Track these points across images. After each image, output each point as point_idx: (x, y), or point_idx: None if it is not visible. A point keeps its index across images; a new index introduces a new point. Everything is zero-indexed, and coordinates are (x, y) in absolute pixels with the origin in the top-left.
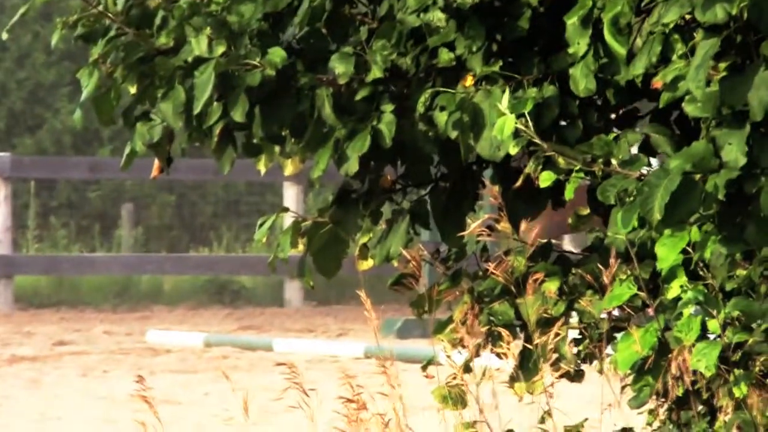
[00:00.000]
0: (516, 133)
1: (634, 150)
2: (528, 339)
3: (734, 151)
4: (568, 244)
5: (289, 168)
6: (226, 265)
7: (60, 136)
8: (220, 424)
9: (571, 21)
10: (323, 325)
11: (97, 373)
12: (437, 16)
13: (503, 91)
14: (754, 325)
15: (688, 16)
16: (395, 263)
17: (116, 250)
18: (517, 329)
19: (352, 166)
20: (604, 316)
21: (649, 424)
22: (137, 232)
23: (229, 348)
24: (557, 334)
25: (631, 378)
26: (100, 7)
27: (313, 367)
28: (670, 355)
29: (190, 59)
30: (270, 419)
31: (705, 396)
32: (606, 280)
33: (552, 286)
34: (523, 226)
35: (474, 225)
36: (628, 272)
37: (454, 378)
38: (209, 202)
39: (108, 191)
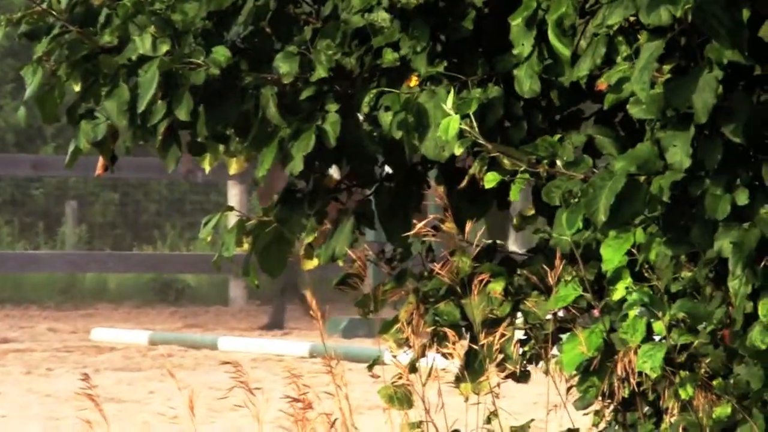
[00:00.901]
0: (461, 134)
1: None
2: (474, 339)
3: (679, 153)
4: (513, 244)
5: (234, 167)
6: (170, 264)
7: (3, 133)
8: (165, 423)
9: (516, 22)
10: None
11: (41, 370)
12: (381, 16)
13: (448, 92)
14: (699, 327)
15: (632, 18)
16: (340, 263)
17: (60, 247)
18: (463, 329)
19: (297, 165)
20: (549, 317)
21: (595, 425)
22: (81, 230)
23: (174, 346)
24: (503, 335)
25: (576, 379)
26: (44, 5)
27: (259, 366)
28: (615, 357)
29: (134, 57)
30: (215, 418)
31: (651, 397)
32: (551, 281)
33: (497, 287)
34: (468, 226)
35: (419, 225)
36: (574, 273)
37: (400, 378)
38: (153, 201)
39: (52, 189)
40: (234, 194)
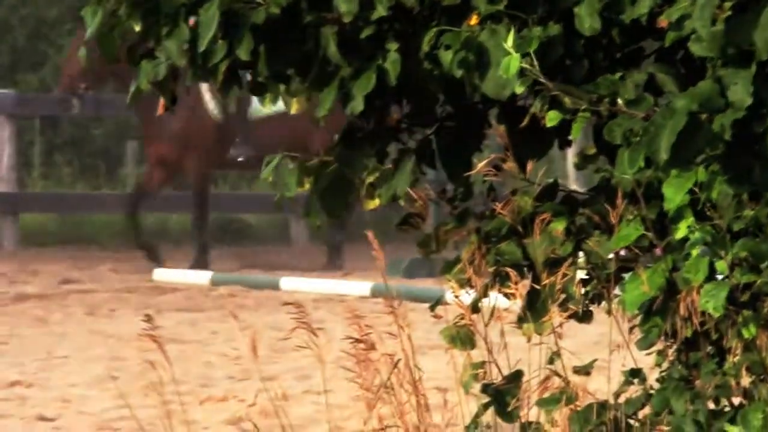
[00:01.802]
0: (521, 73)
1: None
2: (536, 279)
3: (740, 91)
4: (573, 183)
5: (295, 107)
6: (232, 203)
7: None
8: (228, 363)
9: None
10: (331, 263)
11: (104, 311)
12: None
13: (508, 30)
14: (762, 266)
15: None
16: (402, 203)
17: (121, 188)
18: (525, 269)
19: (358, 105)
20: (611, 256)
21: (658, 365)
22: (142, 170)
23: (235, 287)
24: (565, 275)
25: (639, 319)
26: None
27: (320, 306)
28: (678, 296)
29: None
30: (277, 358)
31: (714, 337)
32: (613, 220)
33: (559, 226)
34: (529, 165)
35: (480, 164)
36: (635, 212)
37: (462, 318)
38: None
39: (112, 129)
40: None
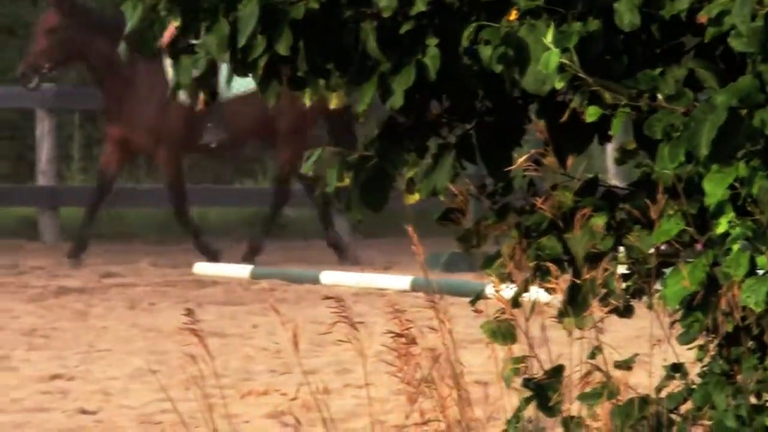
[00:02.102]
0: (561, 68)
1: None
2: (576, 274)
3: None
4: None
5: (334, 101)
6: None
7: None
8: (268, 357)
9: None
10: (369, 258)
11: (144, 305)
12: None
13: (548, 26)
14: None
15: None
16: (441, 198)
17: (161, 182)
18: (566, 264)
19: (397, 100)
20: (652, 251)
21: (699, 359)
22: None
23: (276, 280)
24: (606, 270)
25: (680, 314)
26: None
27: (360, 300)
28: (719, 291)
29: None
30: (318, 352)
31: (755, 332)
32: (653, 215)
33: (599, 221)
34: (569, 160)
35: (520, 159)
36: (676, 207)
37: (503, 312)
38: None
39: None
40: None
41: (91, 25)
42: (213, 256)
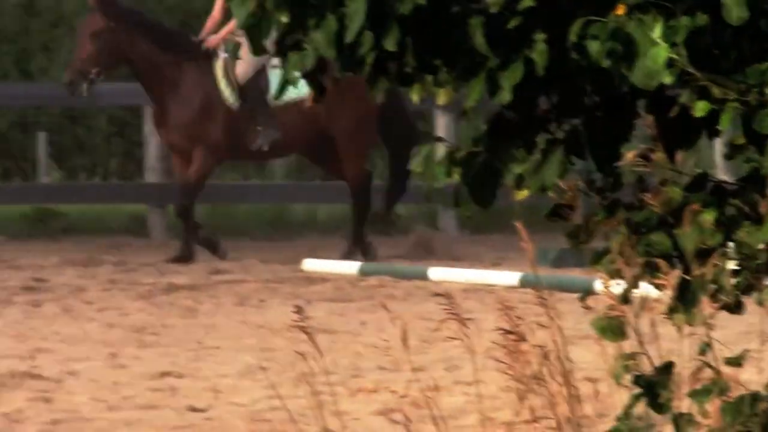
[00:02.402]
0: (669, 63)
1: None
2: (686, 270)
3: None
4: (722, 173)
5: (442, 97)
6: (379, 194)
7: None
8: (378, 354)
9: None
10: (478, 254)
11: (254, 301)
12: None
13: (656, 20)
14: None
15: None
16: (550, 193)
17: (269, 178)
18: (675, 260)
19: (506, 95)
20: (761, 246)
21: None
22: (290, 161)
23: (384, 277)
24: (715, 265)
25: None
26: None
27: (469, 296)
28: None
29: None
30: (427, 349)
31: None
32: (763, 210)
33: (709, 217)
34: (678, 156)
35: (629, 155)
36: None
37: (612, 309)
38: None
39: None
40: (442, 124)
41: (135, 28)
42: (214, 248)
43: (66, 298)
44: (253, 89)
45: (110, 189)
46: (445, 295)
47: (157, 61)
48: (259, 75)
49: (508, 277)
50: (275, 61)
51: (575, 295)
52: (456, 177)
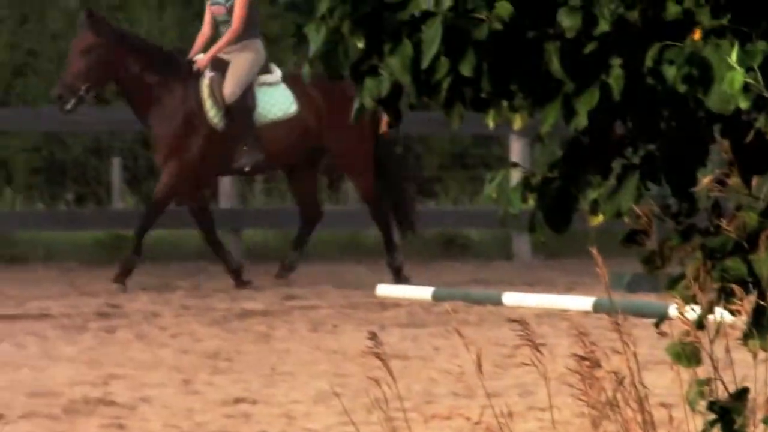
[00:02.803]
0: (745, 87)
1: None
2: (762, 295)
3: None
4: None
5: (518, 122)
6: (453, 218)
7: None
8: (452, 380)
9: None
10: (552, 279)
11: (327, 327)
12: None
13: (732, 45)
14: None
15: None
16: (625, 218)
17: (343, 203)
18: (750, 285)
19: (581, 120)
20: None
21: None
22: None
23: (458, 302)
24: None
25: None
26: None
27: (543, 322)
28: None
29: (417, 13)
30: (501, 374)
31: None
32: None
33: None
34: (754, 181)
35: (705, 180)
36: None
37: (687, 334)
38: (435, 154)
39: None
40: (516, 149)
41: (125, 46)
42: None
43: (140, 324)
44: (239, 109)
45: (183, 214)
46: (518, 320)
47: (145, 80)
48: (246, 94)
49: (582, 302)
50: (263, 78)
51: (650, 321)
52: (531, 203)
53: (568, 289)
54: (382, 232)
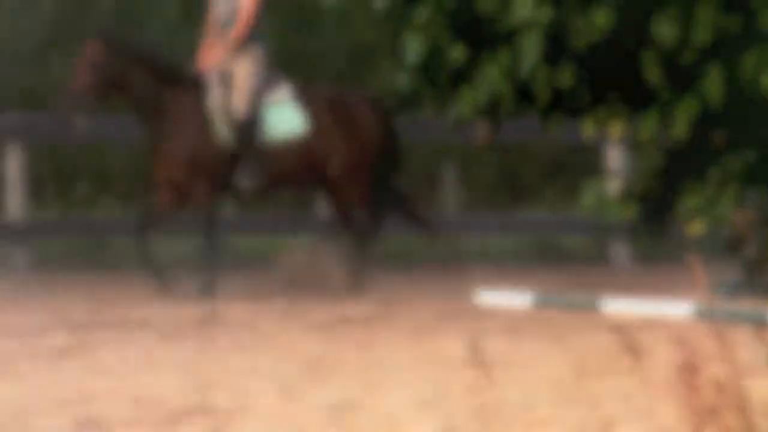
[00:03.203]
0: None
1: None
2: None
3: None
4: None
5: (615, 130)
6: (551, 225)
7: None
8: (552, 386)
9: None
10: (650, 284)
11: (428, 333)
12: None
13: None
14: None
15: None
16: (725, 225)
17: (438, 209)
18: None
19: (680, 129)
20: None
21: None
22: (461, 192)
23: (557, 308)
24: None
25: None
26: None
27: (642, 328)
28: None
29: (515, 24)
30: (601, 381)
31: None
32: None
33: None
34: None
35: None
36: None
37: None
38: (533, 162)
39: (431, 151)
40: (614, 156)
41: (132, 58)
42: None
43: (239, 332)
44: (246, 127)
45: (282, 221)
46: (618, 327)
47: (151, 92)
48: (254, 112)
49: (681, 309)
50: (271, 95)
51: (750, 327)
52: (630, 210)
53: (667, 295)
54: (352, 245)
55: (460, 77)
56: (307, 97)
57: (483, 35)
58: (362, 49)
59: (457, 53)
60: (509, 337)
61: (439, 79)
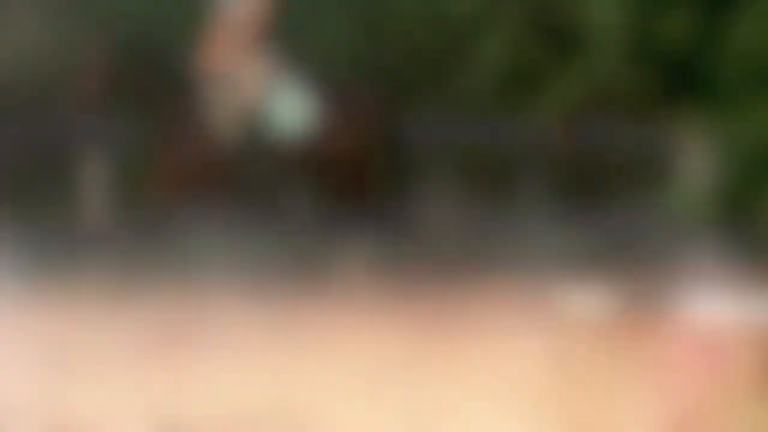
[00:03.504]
0: None
1: None
2: None
3: None
4: None
5: (694, 131)
6: (632, 226)
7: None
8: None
9: None
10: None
11: (509, 335)
12: None
13: None
14: None
15: None
16: None
17: (515, 211)
18: None
19: (763, 129)
20: None
21: None
22: (534, 192)
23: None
24: None
25: None
26: None
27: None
28: None
29: (595, 26)
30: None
31: None
32: None
33: None
34: None
35: None
36: None
37: None
38: (610, 164)
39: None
40: (694, 157)
41: (140, 61)
42: None
43: (321, 333)
44: (248, 126)
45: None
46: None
47: (155, 93)
48: (257, 111)
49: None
50: (275, 96)
51: None
52: (712, 212)
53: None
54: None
55: (540, 81)
56: (313, 94)
57: (563, 34)
58: (428, 52)
59: (535, 55)
60: (604, 344)
61: (520, 82)
